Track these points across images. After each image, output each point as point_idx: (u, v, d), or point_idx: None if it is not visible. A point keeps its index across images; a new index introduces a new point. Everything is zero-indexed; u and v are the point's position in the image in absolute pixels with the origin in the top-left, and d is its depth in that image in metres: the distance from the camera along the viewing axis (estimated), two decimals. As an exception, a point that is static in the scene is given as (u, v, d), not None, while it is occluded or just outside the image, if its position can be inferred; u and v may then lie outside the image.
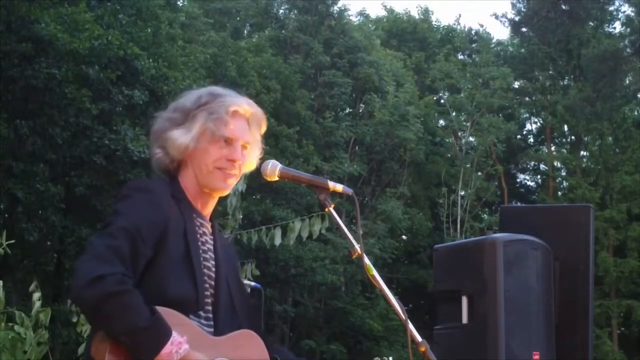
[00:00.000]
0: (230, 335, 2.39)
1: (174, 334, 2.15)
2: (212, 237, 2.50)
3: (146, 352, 2.11)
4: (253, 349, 2.43)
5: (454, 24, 38.32)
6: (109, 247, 2.16)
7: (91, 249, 2.18)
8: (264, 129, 2.57)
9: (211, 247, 2.48)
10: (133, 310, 2.11)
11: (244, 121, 2.50)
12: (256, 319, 2.62)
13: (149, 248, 2.25)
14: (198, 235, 2.43)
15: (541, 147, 35.54)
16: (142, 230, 2.24)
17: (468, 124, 32.52)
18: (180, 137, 2.43)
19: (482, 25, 60.66)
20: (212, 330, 2.38)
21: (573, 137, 34.39)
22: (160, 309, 2.17)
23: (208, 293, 2.40)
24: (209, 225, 2.51)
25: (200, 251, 2.41)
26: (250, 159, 2.54)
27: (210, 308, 2.40)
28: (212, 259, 2.46)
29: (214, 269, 2.45)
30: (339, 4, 30.38)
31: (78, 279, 2.11)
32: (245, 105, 2.50)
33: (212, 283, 2.43)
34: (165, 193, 2.39)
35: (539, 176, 36.71)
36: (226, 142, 2.44)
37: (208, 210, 2.52)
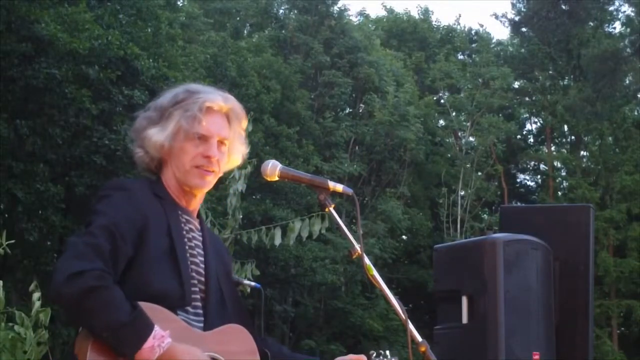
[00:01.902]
0: (218, 329, 2.38)
1: (156, 328, 2.15)
2: (200, 232, 2.50)
3: (128, 347, 2.11)
4: (240, 342, 2.42)
5: (454, 24, 38.36)
6: (88, 245, 2.17)
7: (71, 247, 2.18)
8: (245, 123, 2.56)
9: (199, 243, 2.47)
10: (113, 306, 2.11)
11: (221, 117, 2.49)
12: (246, 313, 2.60)
13: (129, 245, 2.25)
14: (184, 232, 2.42)
15: (541, 147, 35.53)
16: (121, 228, 2.24)
17: (468, 124, 32.50)
18: (155, 135, 2.43)
19: (482, 25, 60.71)
20: (201, 325, 2.37)
21: (573, 137, 34.39)
22: (143, 305, 2.17)
23: (197, 289, 2.40)
24: (196, 221, 2.51)
25: (187, 247, 2.41)
26: (232, 155, 2.53)
27: (199, 304, 2.39)
28: (201, 255, 2.46)
29: (202, 265, 2.44)
30: (339, 4, 30.39)
31: (57, 276, 2.12)
32: (220, 102, 2.48)
33: (202, 279, 2.42)
34: (145, 191, 2.39)
35: (539, 176, 36.72)
36: (200, 139, 2.43)
37: (194, 206, 2.52)
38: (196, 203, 2.52)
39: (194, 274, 2.39)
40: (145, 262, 2.28)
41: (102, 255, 2.17)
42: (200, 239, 2.49)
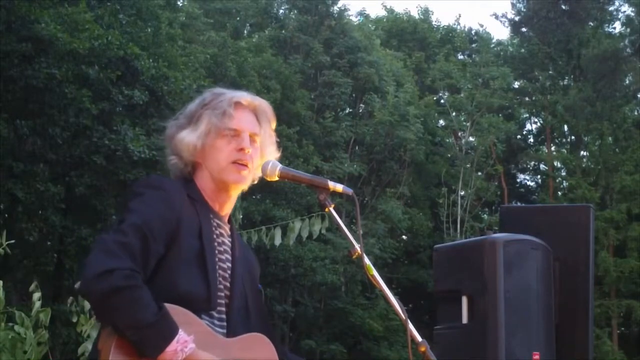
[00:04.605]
0: (241, 337, 2.37)
1: (181, 332, 2.14)
2: (230, 238, 2.50)
3: (151, 349, 2.11)
4: (263, 352, 2.41)
5: (454, 24, 38.36)
6: (120, 243, 2.17)
7: (102, 244, 2.17)
8: (274, 123, 2.57)
9: (228, 249, 2.47)
10: (140, 306, 2.11)
11: (250, 113, 2.50)
12: (269, 323, 2.59)
13: (160, 245, 2.25)
14: (215, 236, 2.42)
15: (541, 147, 35.55)
16: (154, 228, 2.23)
17: (468, 124, 32.51)
18: (187, 137, 2.43)
19: (482, 25, 60.86)
20: (224, 331, 2.37)
21: (573, 137, 34.40)
22: (169, 307, 2.16)
23: (222, 294, 2.39)
24: (227, 226, 2.50)
25: (217, 251, 2.40)
26: (264, 153, 2.52)
27: (223, 309, 2.39)
28: (229, 260, 2.45)
29: (229, 271, 2.44)
30: (339, 4, 30.40)
31: (87, 272, 2.12)
32: (248, 98, 2.51)
33: (227, 284, 2.42)
34: (179, 191, 2.38)
35: (539, 176, 36.74)
36: (232, 134, 2.44)
37: (226, 211, 2.51)
38: (229, 207, 2.52)
39: (220, 279, 2.38)
40: (174, 263, 2.27)
41: (133, 255, 2.16)
42: (230, 244, 2.48)
